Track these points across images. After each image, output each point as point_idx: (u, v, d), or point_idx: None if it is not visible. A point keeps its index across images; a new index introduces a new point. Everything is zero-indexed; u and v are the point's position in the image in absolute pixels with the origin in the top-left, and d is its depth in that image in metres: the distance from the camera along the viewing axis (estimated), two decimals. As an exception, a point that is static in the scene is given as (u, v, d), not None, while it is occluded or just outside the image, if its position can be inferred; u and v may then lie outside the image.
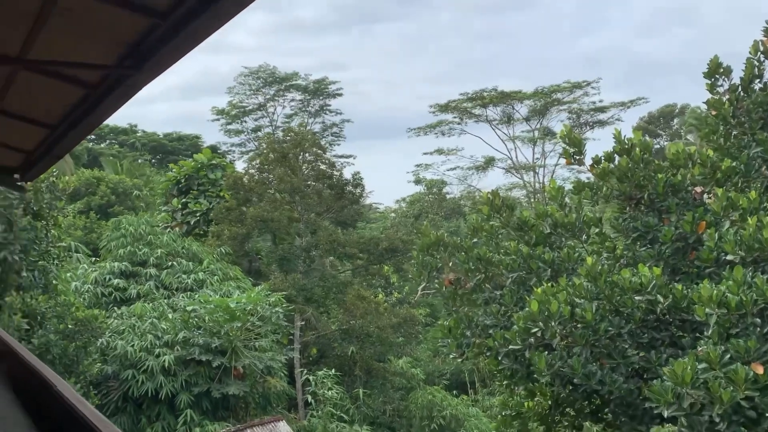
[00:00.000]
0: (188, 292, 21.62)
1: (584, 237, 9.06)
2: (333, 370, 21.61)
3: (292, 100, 48.59)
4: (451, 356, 9.61)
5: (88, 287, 21.21)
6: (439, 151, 47.06)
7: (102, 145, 53.27)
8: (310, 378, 21.22)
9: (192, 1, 2.60)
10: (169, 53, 3.04)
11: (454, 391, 26.54)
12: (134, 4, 2.69)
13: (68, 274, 20.87)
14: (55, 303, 14.80)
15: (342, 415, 20.63)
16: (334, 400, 20.47)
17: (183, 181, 29.93)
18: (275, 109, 48.52)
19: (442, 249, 9.27)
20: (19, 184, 7.30)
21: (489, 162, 47.25)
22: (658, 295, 7.23)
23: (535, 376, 7.81)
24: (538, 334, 7.61)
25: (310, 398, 21.05)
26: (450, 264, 9.04)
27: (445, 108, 45.49)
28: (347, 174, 28.33)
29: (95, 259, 25.19)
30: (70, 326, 14.91)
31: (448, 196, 49.45)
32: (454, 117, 46.20)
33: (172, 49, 2.98)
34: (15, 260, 14.67)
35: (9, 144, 5.62)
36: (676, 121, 55.81)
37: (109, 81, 3.66)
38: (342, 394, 21.19)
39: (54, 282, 16.60)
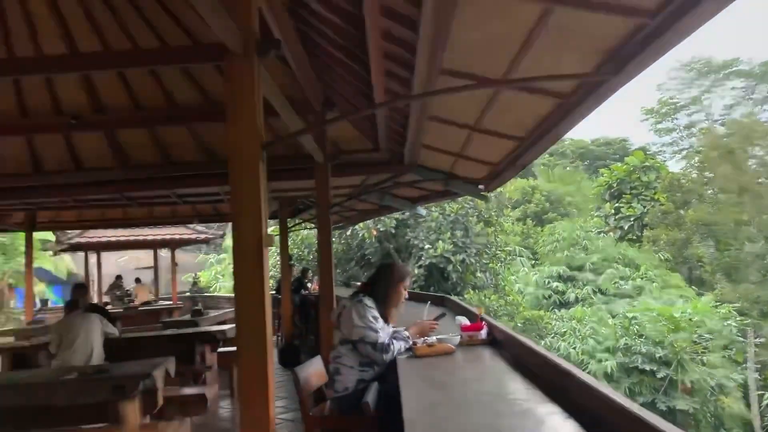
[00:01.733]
0: (626, 299, 21.19)
1: None
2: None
3: (733, 88, 43.25)
4: None
5: (530, 289, 22.67)
6: None
7: (534, 156, 56.56)
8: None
9: (681, -1, 2.47)
10: (650, 55, 2.96)
11: None
12: (624, 7, 2.70)
13: (512, 277, 22.72)
14: (505, 302, 16.23)
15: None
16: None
17: (615, 185, 29.63)
18: (711, 102, 43.98)
19: None
20: (483, 194, 8.14)
21: None
22: None
23: None
24: None
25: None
26: None
27: None
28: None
29: (534, 262, 26.80)
30: (519, 324, 16.17)
31: None
32: None
33: (654, 50, 2.89)
34: (471, 262, 16.66)
35: (482, 159, 6.34)
36: None
37: (582, 89, 3.75)
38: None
39: (501, 283, 18.29)
